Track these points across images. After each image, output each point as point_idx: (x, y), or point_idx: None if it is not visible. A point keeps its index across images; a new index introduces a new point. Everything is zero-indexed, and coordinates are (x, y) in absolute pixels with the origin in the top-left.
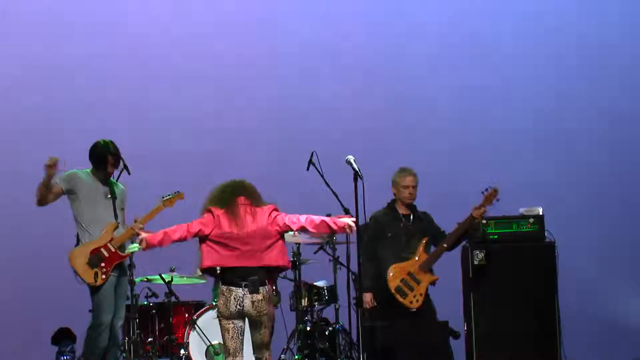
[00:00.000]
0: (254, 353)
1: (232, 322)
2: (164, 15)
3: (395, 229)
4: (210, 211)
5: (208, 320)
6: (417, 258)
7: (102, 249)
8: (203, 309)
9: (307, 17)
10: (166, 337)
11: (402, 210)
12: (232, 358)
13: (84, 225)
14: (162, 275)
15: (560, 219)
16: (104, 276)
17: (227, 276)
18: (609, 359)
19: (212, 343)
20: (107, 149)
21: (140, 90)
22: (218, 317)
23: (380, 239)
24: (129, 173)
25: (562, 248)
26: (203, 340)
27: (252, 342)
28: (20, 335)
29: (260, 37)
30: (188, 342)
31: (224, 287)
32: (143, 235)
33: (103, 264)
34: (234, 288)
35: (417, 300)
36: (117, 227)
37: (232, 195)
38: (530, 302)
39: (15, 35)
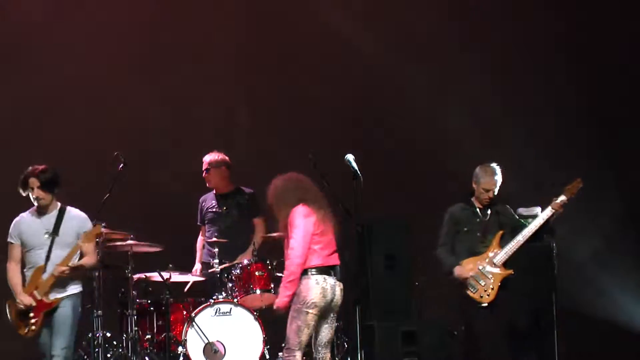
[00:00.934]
0: (318, 352)
1: (316, 317)
2: None
3: (471, 224)
4: (310, 213)
5: (206, 318)
6: (491, 252)
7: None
8: (201, 306)
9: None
10: (164, 334)
11: (478, 204)
12: (300, 352)
13: (23, 273)
14: (161, 272)
15: (558, 219)
16: (33, 327)
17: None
18: (606, 358)
19: (210, 340)
20: (30, 172)
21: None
22: (307, 309)
23: (456, 234)
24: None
25: (560, 248)
26: (201, 337)
27: (320, 339)
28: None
29: (259, 33)
30: (186, 340)
31: (319, 277)
32: (279, 304)
33: (32, 314)
34: (328, 277)
35: (488, 295)
36: (44, 271)
37: (320, 200)
38: (529, 301)
39: None
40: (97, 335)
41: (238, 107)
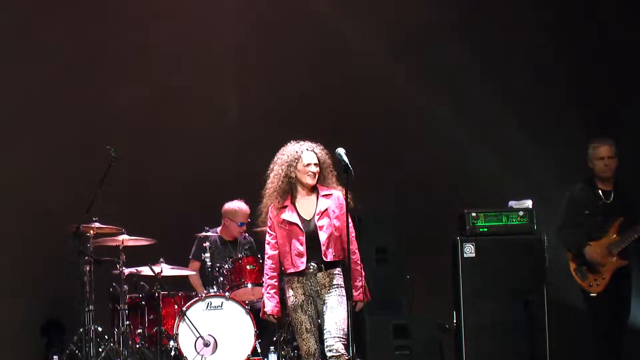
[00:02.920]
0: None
1: None
2: None
3: (592, 207)
4: None
5: (198, 312)
6: (607, 239)
7: None
8: (192, 300)
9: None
10: (155, 328)
11: (601, 185)
12: None
13: None
14: (152, 266)
15: (550, 212)
16: None
17: None
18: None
19: (202, 334)
20: None
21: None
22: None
23: (576, 216)
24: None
25: (551, 241)
26: (192, 331)
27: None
28: (9, 326)
29: (256, 30)
30: (177, 334)
31: None
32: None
33: None
34: None
35: (598, 285)
36: None
37: None
38: (520, 294)
39: None
40: (89, 329)
41: (230, 104)
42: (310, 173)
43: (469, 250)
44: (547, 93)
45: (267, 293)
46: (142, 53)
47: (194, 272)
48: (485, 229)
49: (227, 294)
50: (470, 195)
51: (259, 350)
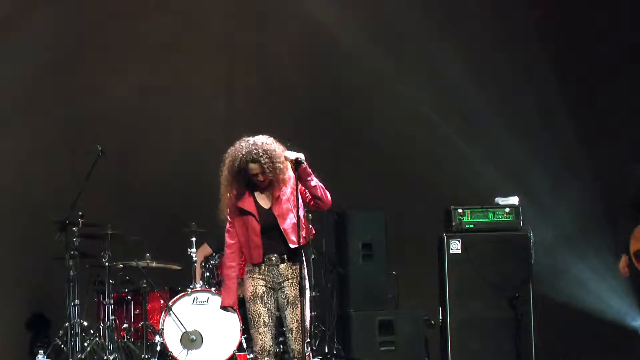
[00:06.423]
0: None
1: None
2: None
3: None
4: None
5: (184, 307)
6: None
7: None
8: (179, 295)
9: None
10: (141, 323)
11: None
12: None
13: None
14: (138, 261)
15: (536, 208)
16: None
17: None
18: (581, 347)
19: (187, 329)
20: None
21: None
22: None
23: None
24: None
25: (537, 237)
26: (178, 326)
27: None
28: None
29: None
30: (163, 329)
31: None
32: None
33: None
34: None
35: None
36: None
37: None
38: (505, 290)
39: None
40: (74, 324)
41: (218, 99)
42: (257, 182)
43: (455, 246)
44: (536, 92)
45: (225, 284)
46: (127, 49)
47: (200, 257)
48: (472, 225)
49: (213, 289)
50: (457, 191)
51: (245, 346)
